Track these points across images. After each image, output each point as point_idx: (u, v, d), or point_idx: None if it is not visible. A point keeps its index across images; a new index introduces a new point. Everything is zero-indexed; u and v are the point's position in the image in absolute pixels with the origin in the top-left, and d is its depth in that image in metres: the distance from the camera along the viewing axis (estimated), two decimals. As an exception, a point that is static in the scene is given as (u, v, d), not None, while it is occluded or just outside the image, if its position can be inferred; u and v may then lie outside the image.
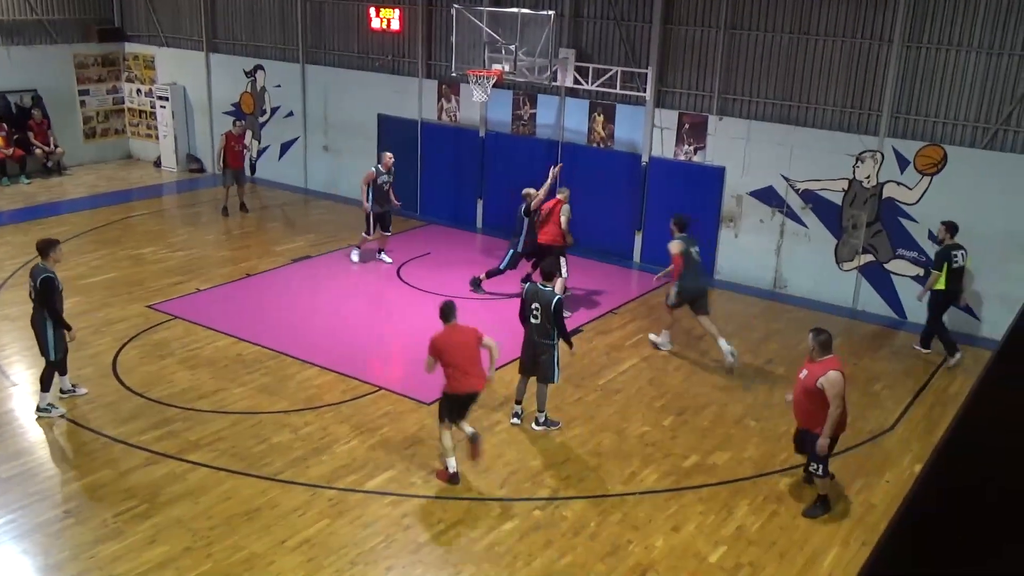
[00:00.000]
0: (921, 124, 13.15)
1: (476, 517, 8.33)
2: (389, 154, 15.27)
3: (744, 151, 14.56)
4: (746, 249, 14.86)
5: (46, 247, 9.93)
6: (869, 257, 13.79)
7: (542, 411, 10.06)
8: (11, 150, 19.89)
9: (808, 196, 14.11)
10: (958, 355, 11.96)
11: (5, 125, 19.96)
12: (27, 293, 10.22)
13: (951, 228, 11.96)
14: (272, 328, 12.41)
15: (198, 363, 11.31)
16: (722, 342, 11.64)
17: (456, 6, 15.19)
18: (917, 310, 13.32)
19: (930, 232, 12.97)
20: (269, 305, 13.36)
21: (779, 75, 14.17)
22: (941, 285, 11.90)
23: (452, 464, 8.85)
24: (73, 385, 10.36)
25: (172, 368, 11.15)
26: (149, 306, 13.06)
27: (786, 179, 14.24)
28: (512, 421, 10.13)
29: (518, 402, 10.18)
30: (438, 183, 17.96)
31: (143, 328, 12.29)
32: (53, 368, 9.91)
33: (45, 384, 9.86)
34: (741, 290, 14.69)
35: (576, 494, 8.77)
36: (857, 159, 13.56)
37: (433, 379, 10.96)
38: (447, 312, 8.95)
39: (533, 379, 10.04)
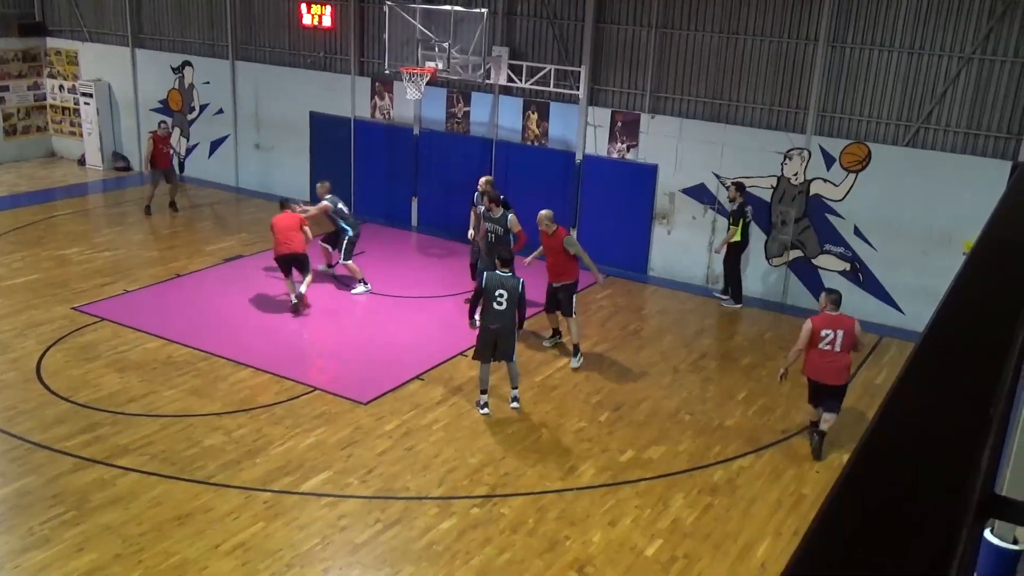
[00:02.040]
0: (846, 122, 13.48)
1: (414, 516, 8.30)
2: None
3: (676, 149, 14.75)
4: (679, 246, 15.06)
5: None
6: (797, 253, 14.09)
7: (517, 387, 10.43)
8: (-74, 148, 19.20)
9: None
10: (740, 305, 13.89)
11: (-81, 122, 19.26)
12: None
13: (741, 188, 13.65)
14: (204, 329, 12.18)
15: (127, 366, 11.06)
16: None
17: (389, 3, 15.09)
18: (844, 303, 13.63)
19: (727, 196, 14.02)
20: (200, 306, 13.11)
21: (709, 74, 14.39)
22: (738, 238, 13.60)
23: None
24: None
25: (99, 371, 10.88)
26: (75, 308, 12.72)
27: (717, 176, 14.47)
28: (484, 412, 10.18)
29: (485, 391, 10.26)
30: (372, 181, 17.82)
31: (69, 331, 11.96)
32: None
33: None
34: (674, 286, 14.88)
35: (514, 491, 8.79)
36: (785, 156, 13.84)
37: (370, 379, 10.93)
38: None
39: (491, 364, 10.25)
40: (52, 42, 21.65)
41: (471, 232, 13.50)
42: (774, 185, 14.03)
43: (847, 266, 13.65)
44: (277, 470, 8.93)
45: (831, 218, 13.69)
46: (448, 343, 12.14)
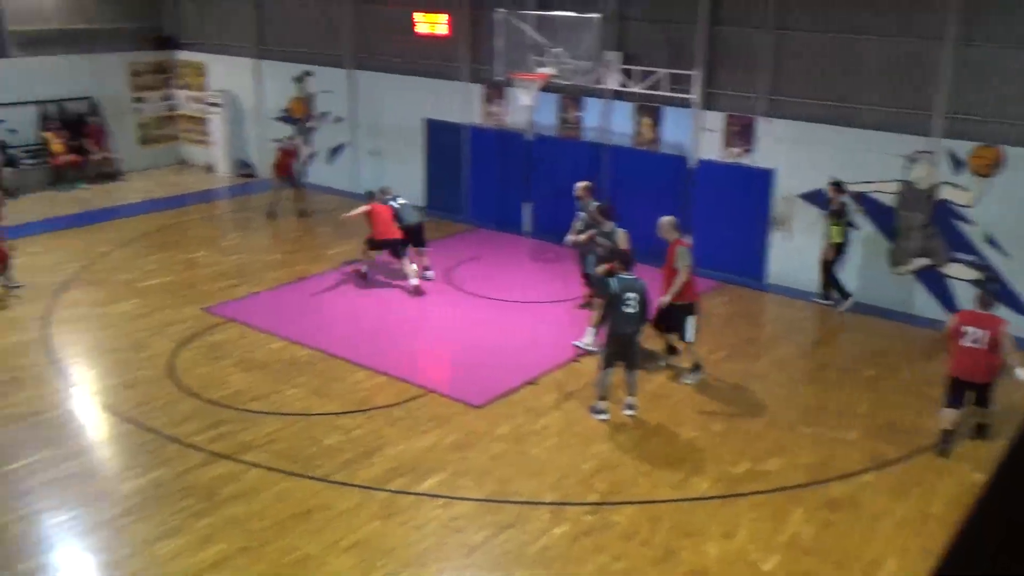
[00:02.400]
0: (975, 124, 12.91)
1: (527, 521, 8.34)
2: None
3: (794, 153, 14.41)
4: (797, 252, 14.70)
5: None
6: (925, 261, 13.56)
7: (635, 395, 10.38)
8: (69, 156, 20.35)
9: (860, 199, 13.92)
10: (850, 299, 13.63)
11: (63, 132, 20.42)
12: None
13: (840, 188, 13.37)
14: (324, 331, 12.55)
15: (252, 365, 11.48)
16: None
17: (501, 10, 15.24)
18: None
19: (823, 193, 13.78)
20: (321, 308, 13.51)
21: (828, 76, 14.01)
22: (840, 239, 13.32)
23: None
24: None
25: (227, 370, 11.33)
26: (204, 309, 13.28)
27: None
28: (602, 418, 10.18)
29: (605, 398, 10.26)
30: (485, 187, 18.01)
31: (199, 330, 12.50)
32: None
33: None
34: (792, 294, 14.53)
35: (627, 499, 8.75)
36: (910, 161, 13.36)
37: (483, 382, 11.05)
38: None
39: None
40: (182, 55, 22.67)
41: (570, 237, 13.21)
42: (898, 190, 13.56)
43: (979, 275, 13.05)
44: (393, 470, 9.12)
45: (961, 225, 13.14)
46: (560, 348, 12.16)
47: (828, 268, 13.73)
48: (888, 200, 13.68)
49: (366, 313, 13.36)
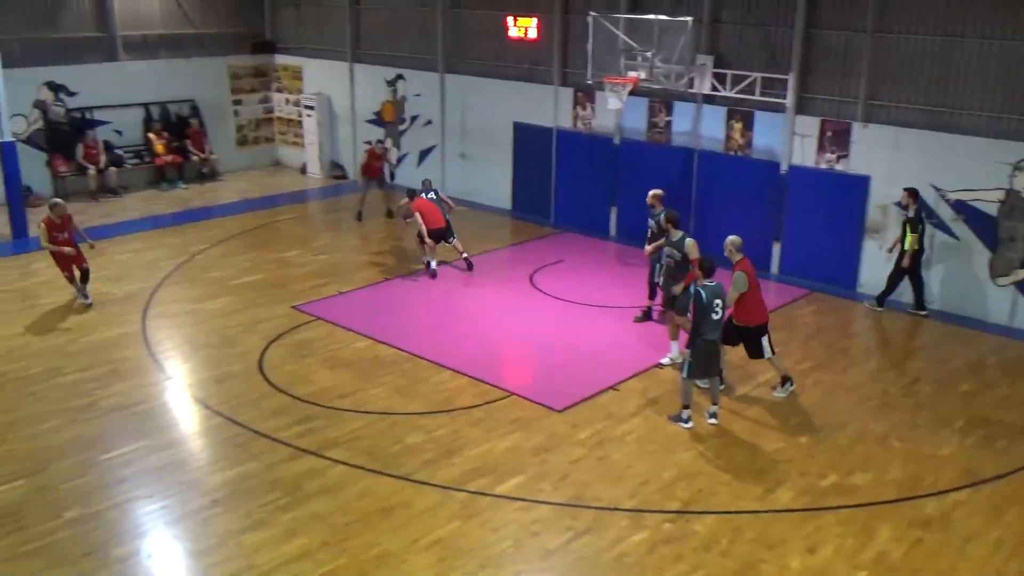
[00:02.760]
0: (1088, 131, 12.33)
1: (605, 527, 8.29)
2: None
3: (890, 159, 13.99)
4: (891, 262, 14.25)
5: None
6: (1027, 272, 13.01)
7: (717, 403, 10.40)
8: (170, 157, 21.09)
9: (960, 207, 13.43)
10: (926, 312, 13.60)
11: (165, 133, 21.19)
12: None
13: (915, 194, 13.14)
14: (408, 331, 12.70)
15: (338, 363, 11.70)
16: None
17: (593, 14, 15.20)
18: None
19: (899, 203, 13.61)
20: (406, 309, 13.69)
21: (929, 80, 13.55)
22: (917, 246, 13.07)
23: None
24: None
25: (314, 367, 11.57)
26: (293, 307, 13.59)
27: (936, 189, 13.60)
28: (687, 426, 10.15)
29: (689, 406, 10.24)
30: (572, 191, 17.99)
31: (288, 328, 12.79)
32: None
33: None
34: (887, 304, 14.09)
35: (707, 509, 8.61)
36: (1015, 168, 12.83)
37: (565, 386, 11.04)
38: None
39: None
40: (280, 59, 23.29)
41: (647, 247, 12.90)
42: (1002, 199, 13.03)
43: (1085, 288, 12.46)
44: (473, 471, 9.17)
45: (1067, 235, 12.55)
46: (643, 354, 12.07)
47: (913, 275, 13.47)
48: (990, 209, 13.16)
49: (450, 314, 13.47)
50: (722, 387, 10.71)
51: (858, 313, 13.92)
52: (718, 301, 9.88)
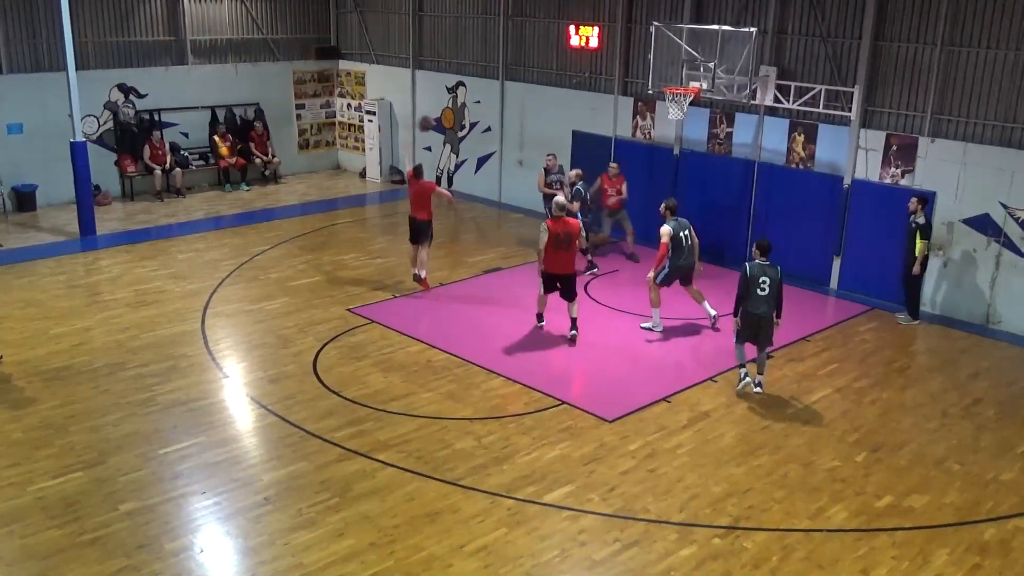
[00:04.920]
0: None
1: (653, 540, 8.21)
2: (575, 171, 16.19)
3: (958, 175, 13.67)
4: (955, 280, 13.93)
5: None
6: (1099, 294, 12.61)
7: (763, 373, 11.24)
8: (234, 159, 21.50)
9: (1029, 225, 13.09)
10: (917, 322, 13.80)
11: (230, 136, 21.60)
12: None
13: (924, 202, 13.41)
14: (461, 337, 12.74)
15: (390, 366, 11.79)
16: (706, 304, 13.23)
17: (656, 23, 15.13)
18: None
19: (907, 209, 13.61)
20: (459, 314, 13.73)
21: (1001, 94, 13.22)
22: (927, 251, 13.39)
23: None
24: None
25: (366, 370, 11.67)
26: (348, 309, 13.73)
27: (1005, 207, 13.25)
28: (745, 382, 11.15)
29: (744, 365, 11.26)
30: (631, 201, 17.86)
31: (342, 330, 12.93)
32: None
33: None
34: (948, 323, 13.78)
35: (758, 525, 8.48)
36: (1089, 187, 12.45)
37: (616, 397, 10.98)
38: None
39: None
40: (344, 64, 23.62)
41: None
42: (1073, 218, 12.66)
43: None
44: (522, 479, 9.16)
45: None
46: (696, 367, 11.95)
47: (915, 283, 13.67)
48: (1061, 228, 12.79)
49: (503, 321, 13.47)
50: (770, 358, 11.66)
51: (920, 331, 13.61)
52: (764, 278, 10.81)
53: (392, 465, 9.36)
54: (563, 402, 10.85)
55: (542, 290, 12.87)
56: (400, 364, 11.86)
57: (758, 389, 11.13)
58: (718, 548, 8.11)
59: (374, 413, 10.49)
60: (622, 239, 16.74)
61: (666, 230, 12.85)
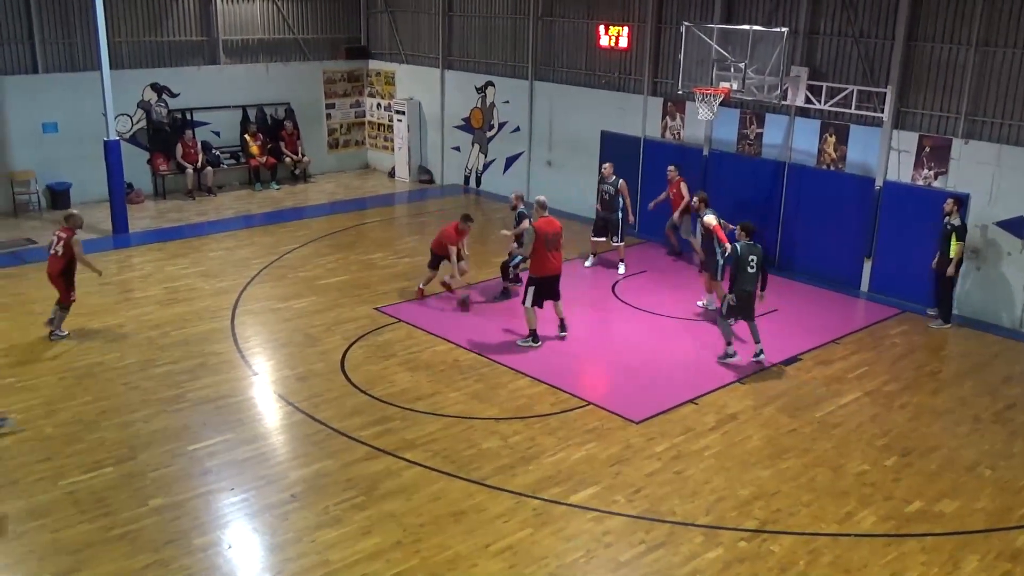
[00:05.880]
0: None
1: (679, 542, 8.18)
2: (607, 164, 16.19)
3: (993, 178, 13.49)
4: (988, 283, 13.75)
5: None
6: None
7: (759, 342, 11.97)
8: (265, 158, 21.66)
9: (1065, 229, 12.88)
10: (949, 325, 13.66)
11: (261, 135, 21.77)
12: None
13: (959, 203, 13.31)
14: (487, 336, 12.75)
15: (417, 365, 11.82)
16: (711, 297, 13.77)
17: (686, 23, 15.06)
18: None
19: (942, 210, 13.42)
20: (486, 314, 13.74)
21: (1037, 96, 13.04)
22: (962, 253, 13.23)
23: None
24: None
25: (394, 368, 11.71)
26: (376, 308, 13.79)
27: (1040, 209, 13.08)
28: (733, 359, 11.98)
29: (730, 343, 12.03)
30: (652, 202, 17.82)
31: (369, 329, 12.99)
32: None
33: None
34: (980, 327, 13.60)
35: (785, 529, 8.42)
36: None
37: (643, 398, 10.94)
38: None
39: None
40: (374, 64, 23.73)
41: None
42: (1110, 221, 12.45)
43: None
44: (547, 479, 9.15)
45: None
46: (724, 369, 11.88)
47: (949, 284, 13.54)
48: (1098, 231, 12.59)
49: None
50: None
51: (951, 335, 13.44)
52: (752, 257, 11.60)
53: (418, 464, 9.39)
54: (589, 403, 10.84)
55: (530, 301, 12.30)
56: (427, 363, 11.90)
57: (760, 357, 11.90)
58: (744, 551, 8.06)
59: (400, 412, 10.53)
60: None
61: (715, 218, 13.24)
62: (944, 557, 8.04)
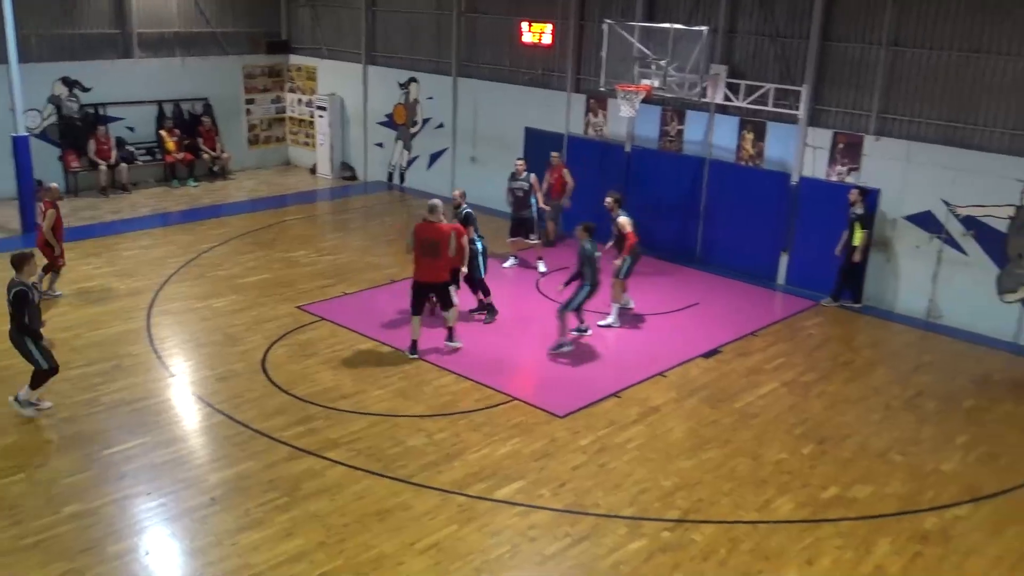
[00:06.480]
0: (1101, 149, 12.26)
1: (603, 534, 8.26)
2: (519, 160, 16.03)
3: (902, 173, 13.93)
4: (898, 275, 14.21)
5: (20, 261, 9.89)
6: (1036, 289, 12.94)
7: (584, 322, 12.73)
8: (182, 154, 21.17)
9: (970, 222, 13.37)
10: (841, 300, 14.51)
11: (177, 131, 21.27)
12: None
13: (864, 194, 13.92)
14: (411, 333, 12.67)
15: (340, 364, 11.70)
16: (626, 294, 13.66)
17: (608, 21, 15.19)
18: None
19: (847, 199, 14.03)
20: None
21: (944, 95, 13.49)
22: (867, 241, 13.96)
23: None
24: (37, 402, 10.20)
25: (316, 367, 11.57)
26: (298, 307, 13.61)
27: (947, 204, 13.54)
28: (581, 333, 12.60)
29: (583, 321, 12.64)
30: (581, 198, 17.91)
31: (291, 328, 12.81)
32: (49, 374, 10.04)
33: (36, 383, 9.99)
34: (891, 318, 14.05)
35: (707, 518, 8.57)
36: (1027, 184, 12.77)
37: (567, 392, 11.02)
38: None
39: None
40: (295, 59, 23.38)
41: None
42: (1012, 215, 12.96)
43: (1094, 306, 12.41)
44: (473, 475, 9.16)
45: (1077, 253, 12.48)
46: (647, 362, 12.03)
47: (853, 271, 14.21)
48: (1000, 225, 13.09)
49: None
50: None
51: (864, 325, 13.86)
52: (598, 253, 12.08)
53: (342, 463, 9.30)
54: (514, 398, 10.87)
55: (411, 309, 11.98)
56: (351, 361, 11.79)
57: (590, 332, 12.71)
58: (667, 541, 8.19)
59: (324, 411, 10.41)
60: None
61: (628, 220, 13.15)
62: (858, 541, 8.28)
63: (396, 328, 12.88)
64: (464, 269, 12.59)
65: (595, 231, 12.23)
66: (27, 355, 10.00)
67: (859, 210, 13.83)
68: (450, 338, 12.20)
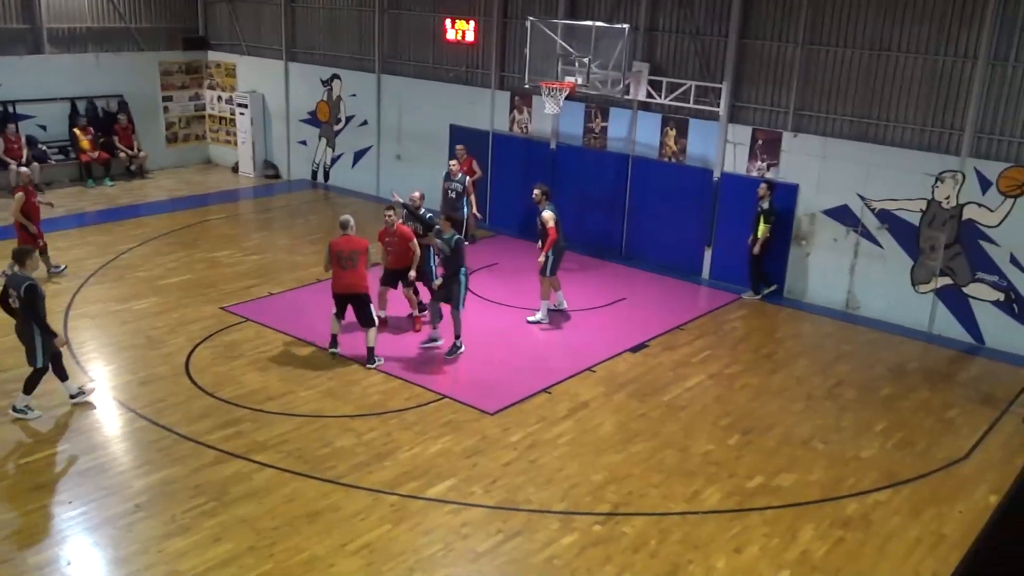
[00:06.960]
0: (1006, 145, 12.76)
1: (535, 529, 8.31)
2: (453, 161, 16.31)
3: (819, 169, 14.31)
4: (817, 268, 14.59)
5: (22, 255, 9.82)
6: (947, 280, 13.42)
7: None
8: (96, 153, 20.57)
9: (884, 216, 13.80)
10: (773, 287, 14.86)
11: (92, 129, 20.65)
12: (10, 302, 9.95)
13: (772, 188, 14.31)
14: (340, 333, 12.54)
15: (267, 365, 11.53)
16: (560, 294, 13.59)
17: (531, 18, 15.25)
18: (997, 335, 12.95)
19: (756, 194, 14.41)
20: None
21: (857, 92, 13.89)
22: (769, 234, 14.28)
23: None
24: (80, 388, 10.40)
25: (242, 369, 11.38)
26: (222, 308, 13.35)
27: (862, 198, 13.95)
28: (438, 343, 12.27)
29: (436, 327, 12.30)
30: (508, 194, 18.01)
31: (216, 329, 12.56)
32: (40, 374, 9.93)
33: (28, 388, 9.89)
34: (811, 310, 14.43)
35: (637, 511, 8.69)
36: (937, 179, 13.22)
37: (497, 389, 11.04)
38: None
39: None
40: (213, 55, 22.90)
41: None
42: (923, 209, 13.42)
43: (1001, 296, 12.91)
44: (404, 475, 9.11)
45: (985, 245, 12.98)
46: (576, 357, 12.13)
47: (759, 263, 14.56)
48: (912, 218, 13.55)
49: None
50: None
51: (786, 317, 14.20)
52: (457, 238, 11.83)
53: (270, 466, 9.16)
54: (444, 396, 10.85)
55: (333, 308, 11.87)
56: (277, 362, 11.62)
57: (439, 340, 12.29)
58: (599, 534, 8.27)
59: (251, 413, 10.24)
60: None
61: (552, 215, 13.10)
62: (783, 528, 8.49)
63: (323, 328, 12.70)
64: (412, 273, 12.34)
65: (459, 223, 12.43)
66: (31, 349, 9.85)
67: (765, 204, 14.24)
68: (370, 359, 11.60)
